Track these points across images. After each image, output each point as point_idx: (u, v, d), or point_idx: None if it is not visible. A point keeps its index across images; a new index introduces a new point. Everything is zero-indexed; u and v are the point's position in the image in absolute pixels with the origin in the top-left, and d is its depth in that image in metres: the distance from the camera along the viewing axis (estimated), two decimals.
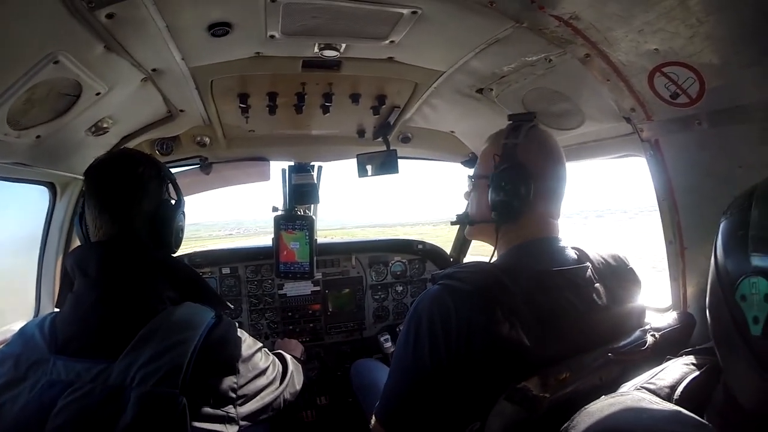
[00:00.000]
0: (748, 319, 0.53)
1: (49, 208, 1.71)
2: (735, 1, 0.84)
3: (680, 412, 0.64)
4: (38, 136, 1.26)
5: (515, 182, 1.06)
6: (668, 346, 0.96)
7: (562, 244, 1.10)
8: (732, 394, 0.61)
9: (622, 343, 0.96)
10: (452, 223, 1.33)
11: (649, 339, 0.98)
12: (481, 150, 1.21)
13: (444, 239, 3.01)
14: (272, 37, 1.26)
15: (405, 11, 1.16)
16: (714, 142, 1.07)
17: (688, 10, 0.88)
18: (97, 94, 1.27)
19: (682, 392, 0.71)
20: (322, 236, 2.35)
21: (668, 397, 0.70)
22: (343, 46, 1.34)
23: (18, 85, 1.02)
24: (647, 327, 1.03)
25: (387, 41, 1.31)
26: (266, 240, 2.36)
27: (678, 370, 0.76)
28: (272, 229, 2.28)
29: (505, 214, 1.09)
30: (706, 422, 0.62)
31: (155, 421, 0.88)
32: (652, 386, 0.74)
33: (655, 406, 0.67)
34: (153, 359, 0.91)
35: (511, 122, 1.16)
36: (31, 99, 1.10)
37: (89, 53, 1.10)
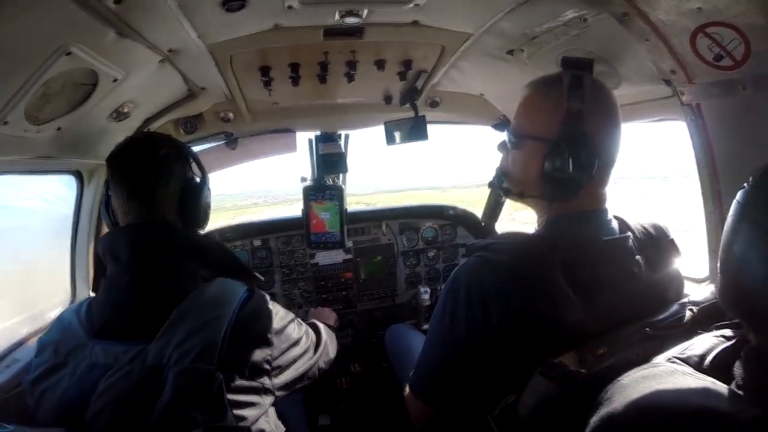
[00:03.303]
0: None
1: (77, 195, 1.80)
2: None
3: (713, 383, 0.67)
4: (59, 128, 1.30)
5: (581, 157, 0.98)
6: (706, 320, 0.95)
7: (608, 216, 1.07)
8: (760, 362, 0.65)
9: (660, 317, 0.96)
10: (490, 185, 1.25)
11: (687, 313, 0.98)
12: (526, 100, 1.11)
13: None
14: (290, 7, 1.26)
15: None
16: (758, 108, 1.05)
17: None
18: (114, 80, 1.29)
19: (711, 361, 0.73)
20: (354, 202, 2.44)
21: (698, 366, 0.73)
22: (365, 11, 1.33)
23: (32, 81, 1.04)
24: (685, 300, 1.02)
25: (411, 5, 1.30)
26: (293, 208, 2.43)
27: (708, 341, 0.78)
28: (301, 198, 2.36)
29: (562, 191, 1.02)
30: (738, 391, 0.65)
31: (193, 398, 0.93)
32: (682, 356, 0.75)
33: (687, 379, 0.69)
34: (188, 337, 0.96)
35: (565, 70, 1.04)
36: (46, 93, 1.14)
37: (101, 41, 1.11)
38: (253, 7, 1.24)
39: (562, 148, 0.99)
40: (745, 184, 0.62)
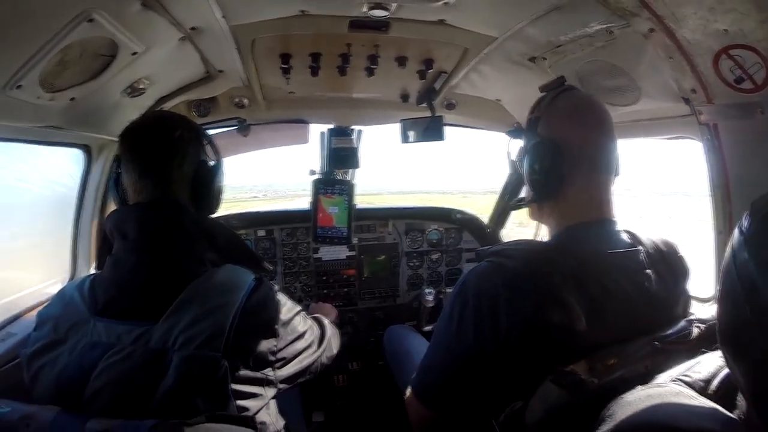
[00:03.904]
0: None
1: (84, 170, 1.78)
2: None
3: (717, 409, 0.66)
4: (72, 99, 1.29)
5: (540, 159, 1.07)
6: (712, 338, 0.91)
7: (617, 227, 1.09)
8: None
9: (668, 332, 0.97)
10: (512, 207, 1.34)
11: (695, 330, 0.98)
12: None
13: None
14: None
15: None
16: None
17: None
18: (134, 53, 1.28)
19: (717, 387, 0.72)
20: (365, 202, 2.44)
21: (702, 391, 0.73)
22: (394, 5, 1.34)
23: (51, 45, 1.02)
24: (692, 317, 1.03)
25: (440, 2, 1.31)
26: (292, 204, 2.43)
27: (713, 363, 0.77)
28: (302, 194, 2.37)
29: (538, 193, 1.11)
30: (741, 423, 0.64)
31: (197, 384, 0.92)
32: (687, 379, 0.75)
33: (692, 401, 0.69)
34: (194, 322, 0.95)
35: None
36: (64, 60, 1.12)
37: (125, 11, 1.10)
38: None
39: (525, 154, 1.12)
40: (744, 221, 0.56)
